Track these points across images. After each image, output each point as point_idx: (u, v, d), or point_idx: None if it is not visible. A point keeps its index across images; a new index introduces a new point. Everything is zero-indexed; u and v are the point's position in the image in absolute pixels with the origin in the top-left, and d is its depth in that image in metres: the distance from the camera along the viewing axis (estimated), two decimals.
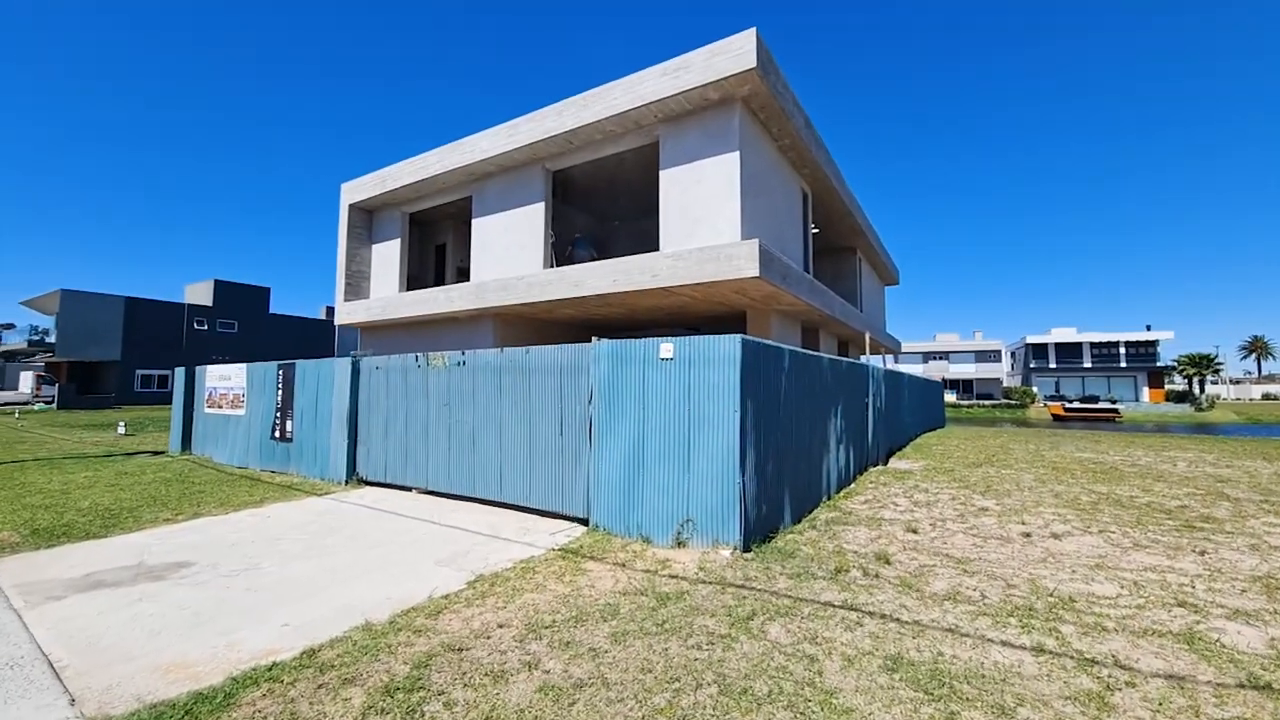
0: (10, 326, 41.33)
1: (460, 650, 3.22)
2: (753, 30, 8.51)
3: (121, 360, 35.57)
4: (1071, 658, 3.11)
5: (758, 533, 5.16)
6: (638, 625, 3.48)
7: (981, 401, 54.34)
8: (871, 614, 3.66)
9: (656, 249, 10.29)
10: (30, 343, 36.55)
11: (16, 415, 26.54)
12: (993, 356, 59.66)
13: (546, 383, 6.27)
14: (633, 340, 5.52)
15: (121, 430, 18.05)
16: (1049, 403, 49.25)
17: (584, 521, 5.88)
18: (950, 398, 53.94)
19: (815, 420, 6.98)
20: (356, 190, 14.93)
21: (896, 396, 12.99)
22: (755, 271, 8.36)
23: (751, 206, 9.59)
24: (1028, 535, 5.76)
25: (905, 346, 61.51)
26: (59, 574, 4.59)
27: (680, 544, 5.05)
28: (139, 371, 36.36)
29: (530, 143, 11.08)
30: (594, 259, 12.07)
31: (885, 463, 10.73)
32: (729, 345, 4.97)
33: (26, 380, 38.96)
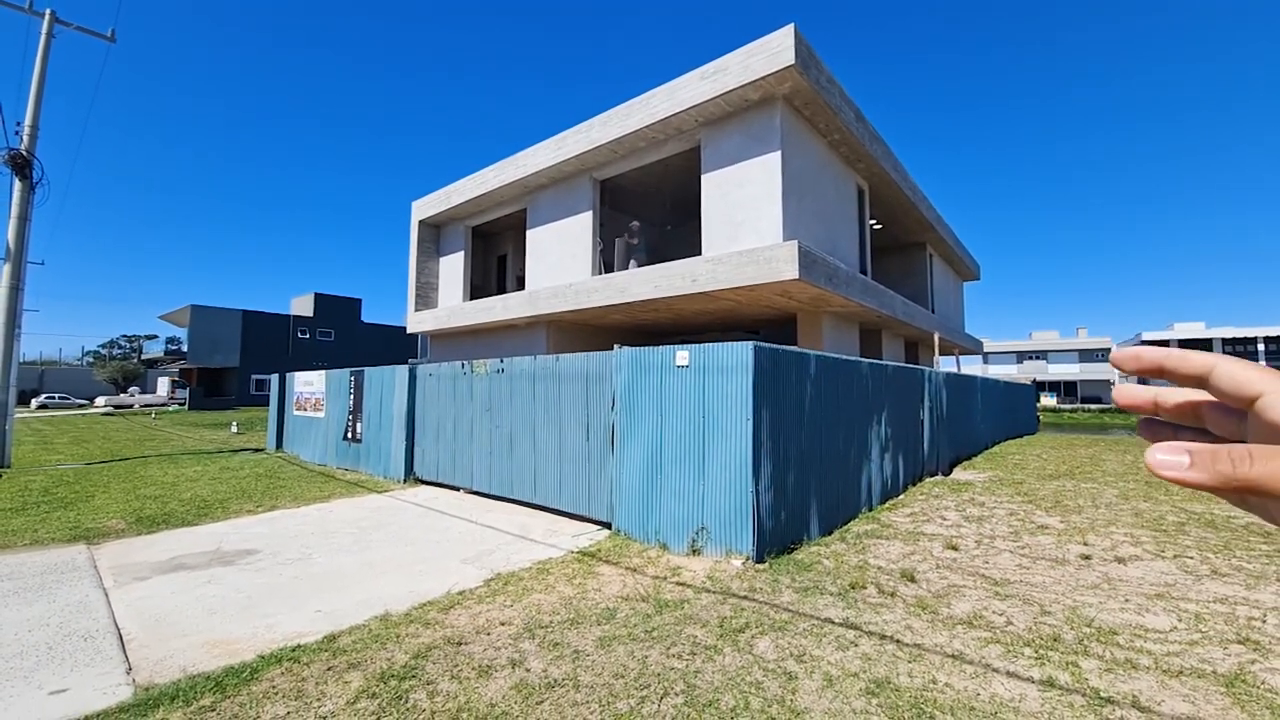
0: (153, 337, 47.60)
1: (459, 644, 3.43)
2: (791, 26, 8.32)
3: (240, 366, 39.92)
4: (1084, 695, 2.85)
5: (774, 544, 5.05)
6: (628, 631, 3.55)
7: (1087, 406, 49.23)
8: (871, 634, 3.51)
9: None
10: (167, 351, 41.87)
11: (153, 415, 30.50)
12: (1099, 356, 53.94)
13: (575, 390, 6.46)
14: (651, 348, 5.59)
15: (234, 429, 20.32)
16: None
17: (608, 525, 6.01)
18: (1049, 401, 49.30)
19: (852, 428, 6.71)
20: (424, 207, 15.98)
21: (964, 402, 12.13)
22: (795, 274, 8.16)
23: (796, 206, 9.35)
24: (1087, 558, 5.25)
25: (997, 346, 57.00)
26: (149, 557, 5.30)
27: (695, 551, 5.05)
28: (254, 376, 40.63)
29: (578, 154, 11.42)
30: (644, 251, 12.19)
31: (947, 473, 10.08)
32: (741, 353, 4.92)
33: (163, 385, 44.71)
